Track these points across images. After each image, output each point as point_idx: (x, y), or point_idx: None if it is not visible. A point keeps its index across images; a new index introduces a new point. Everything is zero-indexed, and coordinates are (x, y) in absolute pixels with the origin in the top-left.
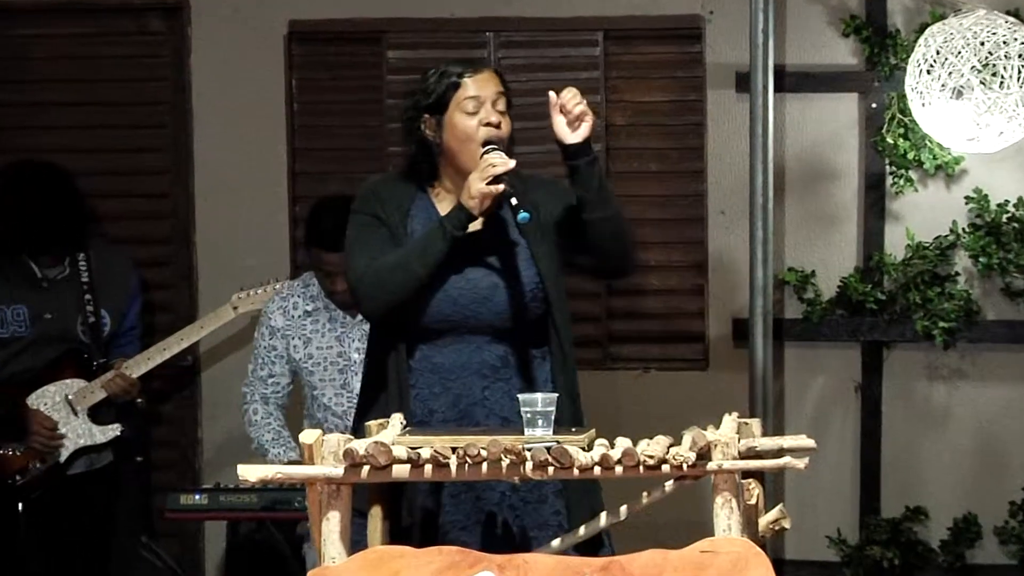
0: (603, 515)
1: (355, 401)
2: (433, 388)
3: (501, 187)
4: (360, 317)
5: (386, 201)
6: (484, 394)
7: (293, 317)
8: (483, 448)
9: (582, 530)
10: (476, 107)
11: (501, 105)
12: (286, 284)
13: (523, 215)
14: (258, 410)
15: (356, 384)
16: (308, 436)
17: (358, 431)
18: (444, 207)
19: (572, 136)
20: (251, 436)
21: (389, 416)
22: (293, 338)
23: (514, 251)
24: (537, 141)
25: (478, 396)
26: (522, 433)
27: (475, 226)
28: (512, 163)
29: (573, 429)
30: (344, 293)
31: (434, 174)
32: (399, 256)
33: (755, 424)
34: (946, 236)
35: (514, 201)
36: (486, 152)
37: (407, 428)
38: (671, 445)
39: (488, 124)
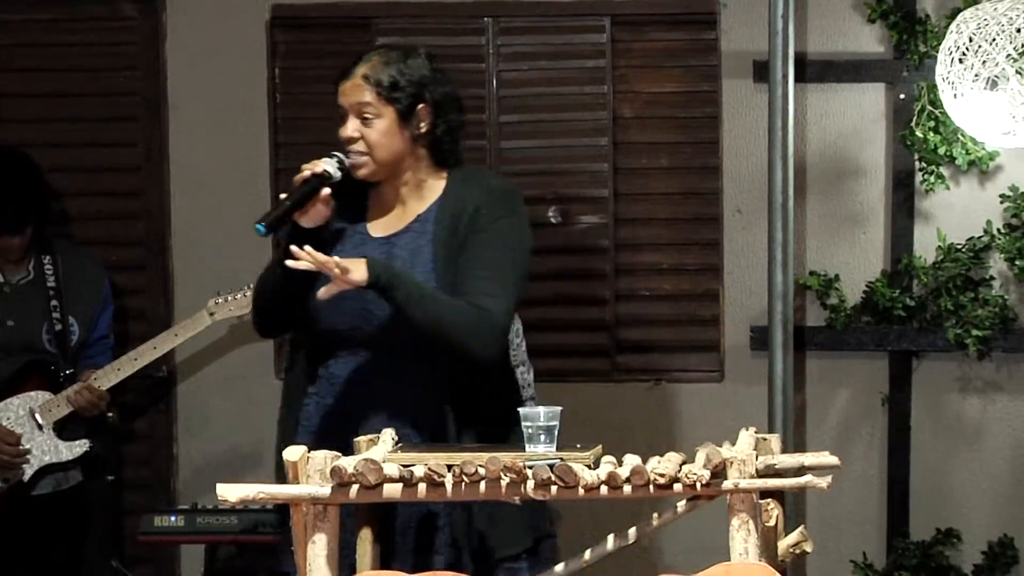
0: (610, 538)
1: None
2: (327, 401)
3: (284, 196)
4: None
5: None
6: (374, 409)
7: None
8: (481, 466)
9: (587, 554)
10: (343, 117)
11: (368, 112)
12: None
13: (257, 226)
14: None
15: None
16: (292, 453)
17: (282, 443)
18: (372, 209)
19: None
20: None
21: (296, 427)
22: None
23: (416, 263)
24: (540, 135)
25: (368, 410)
26: (522, 449)
27: (385, 231)
28: (320, 167)
29: (578, 445)
30: None
31: None
32: (264, 271)
33: (774, 440)
34: (980, 237)
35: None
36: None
37: (399, 444)
38: (683, 462)
39: (342, 137)
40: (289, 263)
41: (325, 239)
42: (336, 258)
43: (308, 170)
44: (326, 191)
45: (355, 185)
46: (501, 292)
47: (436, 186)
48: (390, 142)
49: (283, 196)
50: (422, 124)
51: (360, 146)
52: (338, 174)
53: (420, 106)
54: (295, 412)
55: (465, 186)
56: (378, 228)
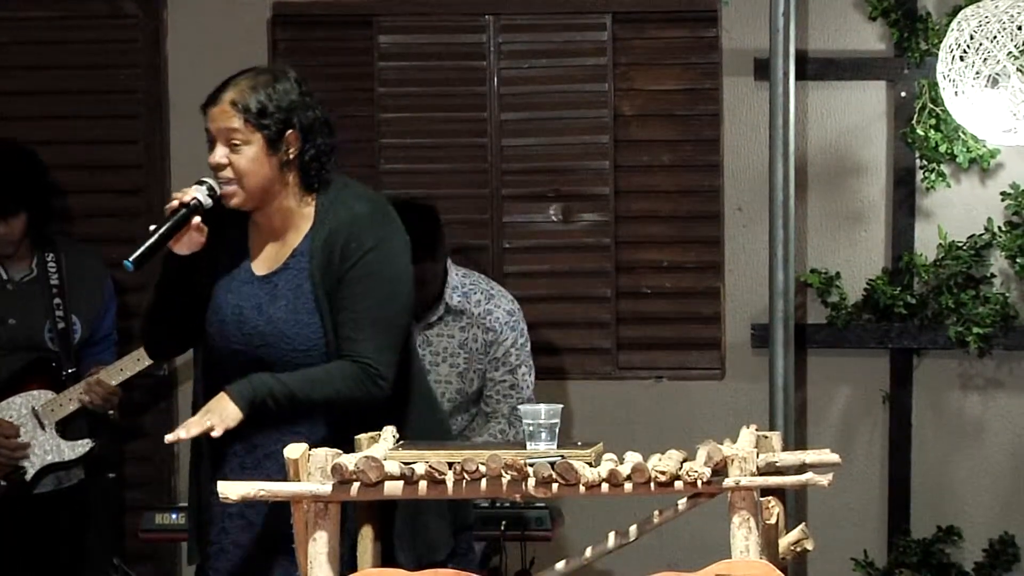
0: (611, 536)
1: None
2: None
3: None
4: (423, 323)
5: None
6: (263, 441)
7: None
8: (482, 463)
9: (588, 552)
10: (211, 143)
11: (236, 139)
12: None
13: (126, 263)
14: None
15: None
16: (293, 451)
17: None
18: (253, 242)
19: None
20: None
21: (199, 450)
22: None
23: (299, 302)
24: (541, 132)
25: (261, 439)
26: (522, 447)
27: (267, 268)
28: (181, 198)
29: (579, 443)
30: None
31: None
32: (149, 298)
33: (775, 437)
34: (981, 235)
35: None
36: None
37: (400, 442)
38: (685, 460)
39: (210, 164)
40: (169, 438)
41: (200, 265)
42: (205, 416)
43: (177, 199)
44: (196, 219)
45: (235, 217)
46: (378, 338)
47: (307, 214)
48: (259, 169)
49: (152, 228)
50: (291, 150)
51: (228, 173)
52: (209, 201)
53: (288, 132)
54: (200, 439)
55: (332, 212)
56: (260, 265)
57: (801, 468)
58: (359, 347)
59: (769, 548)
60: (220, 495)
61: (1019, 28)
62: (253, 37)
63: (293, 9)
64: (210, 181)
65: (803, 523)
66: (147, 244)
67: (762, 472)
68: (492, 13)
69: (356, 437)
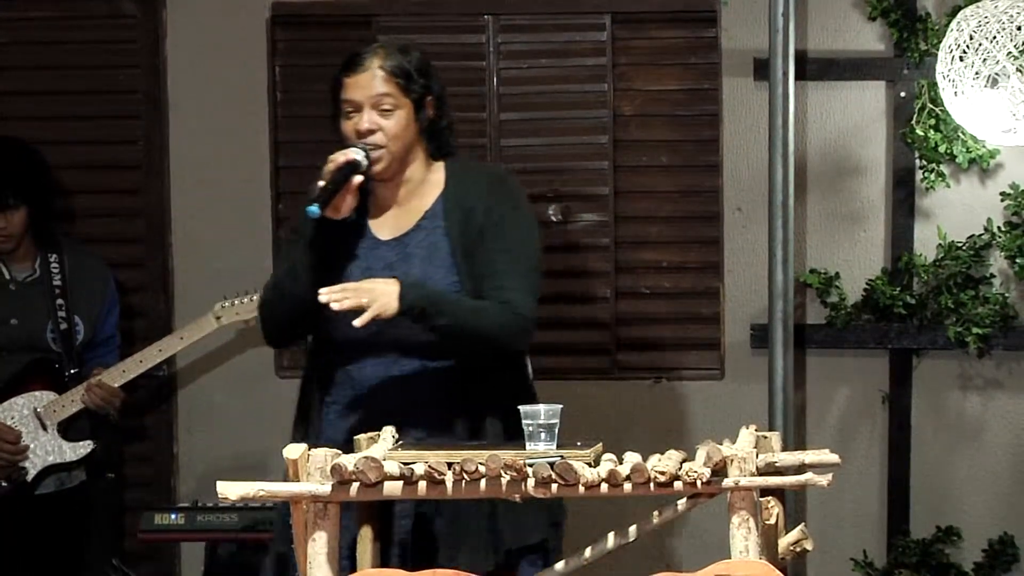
0: (610, 536)
1: None
2: (349, 402)
3: (321, 183)
4: None
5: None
6: (398, 408)
7: None
8: (481, 464)
9: (588, 552)
10: (352, 110)
11: (386, 105)
12: None
13: (309, 208)
14: None
15: None
16: (293, 451)
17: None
18: (372, 210)
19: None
20: None
21: (313, 430)
22: None
23: (435, 259)
24: (541, 132)
25: (391, 409)
26: (523, 447)
27: (393, 233)
28: (345, 157)
29: (579, 443)
30: None
31: None
32: (278, 276)
33: (774, 438)
34: (980, 235)
35: (316, 191)
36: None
37: (399, 442)
38: (684, 460)
39: (357, 130)
40: (323, 298)
41: (348, 234)
42: (367, 287)
43: (338, 158)
44: (357, 178)
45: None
46: (524, 286)
47: (435, 180)
48: (406, 134)
49: (321, 183)
50: (429, 116)
51: (378, 138)
52: (365, 163)
53: (428, 98)
54: (312, 420)
55: (467, 178)
56: (384, 230)
57: (800, 468)
58: (508, 295)
59: (768, 548)
60: (219, 494)
61: (1019, 28)
62: (252, 37)
63: (292, 9)
64: (360, 146)
65: (802, 523)
66: (324, 192)
67: (761, 472)
68: (491, 13)
69: (355, 437)
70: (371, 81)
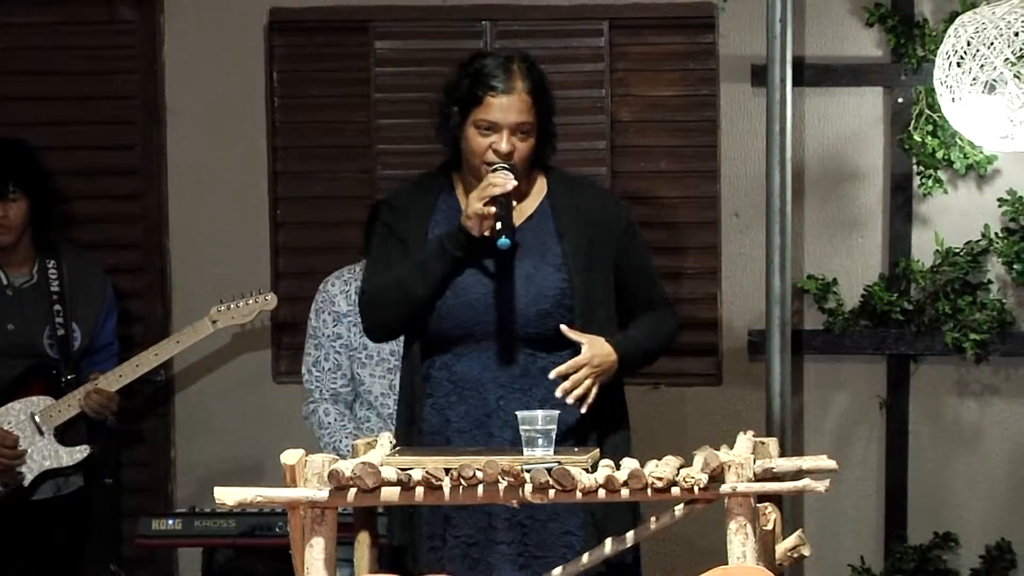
0: (608, 542)
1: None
2: (449, 397)
3: (493, 210)
4: None
5: (401, 210)
6: (499, 404)
7: (355, 303)
8: (479, 470)
9: (585, 558)
10: (491, 129)
11: (526, 129)
12: (346, 267)
13: (502, 241)
14: (329, 411)
15: None
16: (290, 456)
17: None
18: (466, 202)
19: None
20: (324, 442)
21: (413, 424)
22: (353, 324)
23: (546, 258)
24: None
25: (493, 406)
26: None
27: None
28: (511, 184)
29: (576, 449)
30: None
31: (460, 163)
32: (399, 275)
33: (772, 444)
34: (978, 241)
35: (498, 226)
36: (492, 170)
37: (396, 448)
38: (682, 466)
39: (496, 151)
40: (570, 399)
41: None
42: (592, 361)
43: (501, 182)
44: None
45: (428, 196)
46: (663, 288)
47: (537, 185)
48: (530, 154)
49: (493, 210)
50: (550, 132)
51: (514, 159)
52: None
53: (551, 118)
54: (416, 414)
55: (570, 184)
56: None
57: (798, 474)
58: (661, 298)
59: (766, 554)
60: (217, 499)
61: (1016, 34)
62: (250, 43)
63: (290, 15)
64: (498, 166)
65: (800, 529)
66: (505, 222)
67: (759, 478)
68: (489, 19)
69: (353, 443)
70: (516, 105)
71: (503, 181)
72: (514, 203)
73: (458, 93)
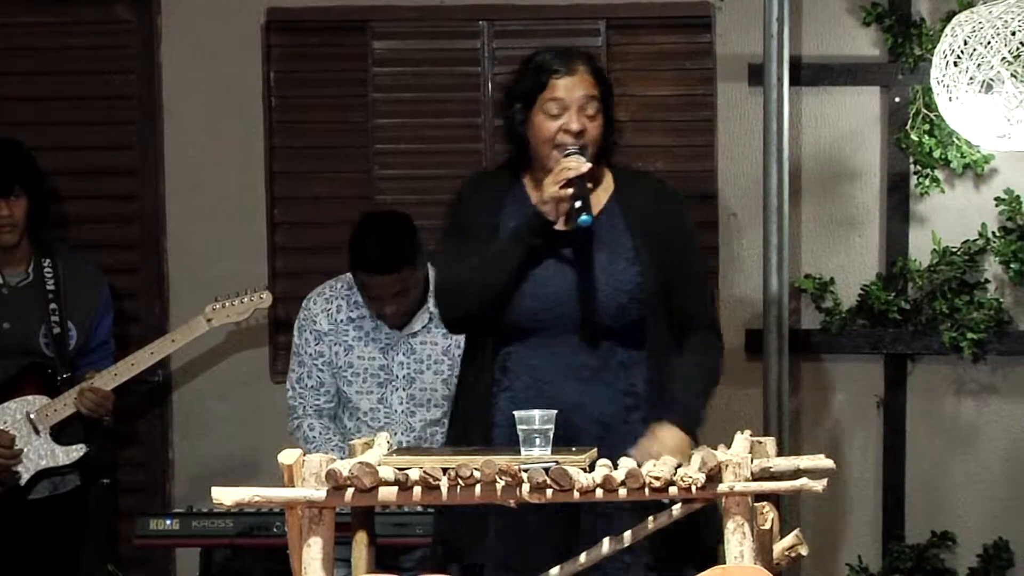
0: (605, 541)
1: (393, 416)
2: (528, 391)
3: (570, 191)
4: (407, 331)
5: (471, 201)
6: (581, 398)
7: (337, 321)
8: (476, 469)
9: (583, 557)
10: (559, 110)
11: (591, 109)
12: (328, 284)
13: (583, 218)
14: (314, 425)
15: (395, 400)
16: (288, 456)
17: (450, 435)
18: (537, 197)
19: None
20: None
21: (483, 419)
22: (335, 344)
23: (618, 248)
24: None
25: (574, 399)
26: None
27: (564, 226)
28: (586, 166)
29: (573, 448)
30: (394, 316)
31: (527, 164)
32: (476, 265)
33: (769, 443)
34: (975, 240)
35: (578, 204)
36: (564, 155)
37: (394, 448)
38: (679, 466)
39: (567, 131)
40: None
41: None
42: (663, 455)
43: (575, 165)
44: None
45: (498, 190)
46: (706, 295)
47: (604, 182)
48: (601, 139)
49: (571, 191)
50: (614, 122)
51: (586, 139)
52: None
53: (612, 107)
54: (474, 407)
55: (637, 181)
56: (562, 223)
57: (795, 474)
58: (700, 319)
59: (763, 554)
60: (214, 499)
61: (1013, 34)
62: (247, 42)
63: (287, 14)
64: (572, 150)
65: (797, 528)
66: (583, 199)
67: (756, 478)
68: (487, 18)
69: (350, 443)
70: (580, 83)
71: (577, 164)
72: (589, 184)
73: (521, 87)
